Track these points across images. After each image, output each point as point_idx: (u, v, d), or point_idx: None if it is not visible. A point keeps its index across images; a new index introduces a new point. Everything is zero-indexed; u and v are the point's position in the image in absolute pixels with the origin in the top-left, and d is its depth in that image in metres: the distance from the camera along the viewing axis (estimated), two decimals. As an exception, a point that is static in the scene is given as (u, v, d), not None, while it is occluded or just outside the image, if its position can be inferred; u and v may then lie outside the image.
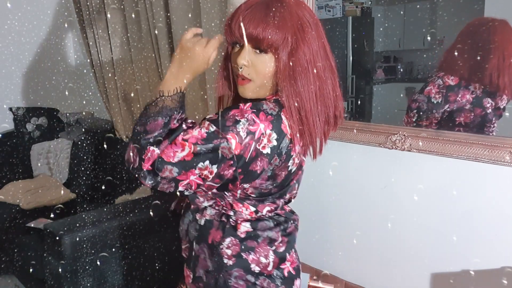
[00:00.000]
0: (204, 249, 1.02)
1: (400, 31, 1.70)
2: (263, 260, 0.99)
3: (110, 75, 2.71)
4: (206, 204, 1.02)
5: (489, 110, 1.41)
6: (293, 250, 1.07)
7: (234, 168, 0.88)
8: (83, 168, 2.68)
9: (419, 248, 1.60)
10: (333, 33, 1.84)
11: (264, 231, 1.01)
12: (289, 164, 0.96)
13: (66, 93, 3.25)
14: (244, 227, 1.00)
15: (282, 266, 1.02)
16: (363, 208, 1.75)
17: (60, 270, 1.72)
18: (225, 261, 0.98)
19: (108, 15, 2.53)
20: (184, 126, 0.91)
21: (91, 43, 2.79)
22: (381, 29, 1.76)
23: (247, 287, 0.98)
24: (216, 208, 1.01)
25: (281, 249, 1.02)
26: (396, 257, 1.67)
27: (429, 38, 1.56)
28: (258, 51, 0.92)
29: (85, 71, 3.22)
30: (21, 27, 2.94)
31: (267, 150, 0.89)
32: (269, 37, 0.89)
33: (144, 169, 0.87)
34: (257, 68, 0.93)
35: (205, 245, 1.01)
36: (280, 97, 0.94)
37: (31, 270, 2.01)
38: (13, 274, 2.32)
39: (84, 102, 3.32)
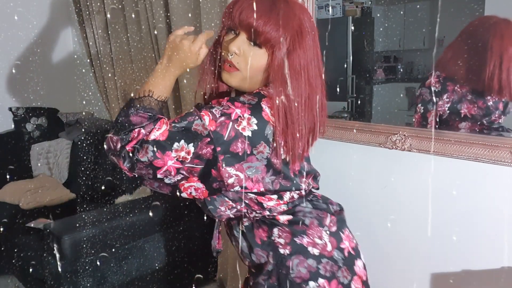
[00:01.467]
0: (259, 252, 0.98)
1: (400, 31, 1.70)
2: (318, 241, 0.96)
3: (110, 75, 2.71)
4: (229, 212, 0.98)
5: (490, 103, 1.39)
6: (346, 228, 1.03)
7: (212, 147, 0.86)
8: (83, 168, 2.68)
9: (419, 248, 1.60)
10: (333, 33, 1.84)
11: (305, 216, 0.98)
12: (282, 152, 0.94)
13: (66, 93, 3.25)
14: (283, 217, 0.98)
15: (342, 246, 0.99)
16: (363, 208, 1.75)
17: (60, 270, 1.72)
18: (282, 251, 0.95)
19: (108, 15, 2.53)
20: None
21: (91, 43, 2.79)
22: (381, 29, 1.76)
23: (311, 275, 0.93)
24: (248, 214, 0.99)
25: (334, 228, 0.99)
26: (396, 257, 1.67)
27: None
28: (252, 43, 0.92)
29: (84, 71, 3.22)
30: (21, 27, 2.94)
31: (247, 133, 0.87)
32: (268, 32, 0.88)
33: (127, 148, 0.86)
34: (247, 60, 0.92)
35: (258, 248, 0.98)
36: (262, 90, 0.93)
37: (31, 270, 2.01)
38: (13, 274, 2.32)
39: (84, 102, 3.32)
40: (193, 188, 0.92)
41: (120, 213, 1.89)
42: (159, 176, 0.88)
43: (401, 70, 1.73)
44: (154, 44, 2.27)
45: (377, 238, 1.72)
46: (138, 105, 0.90)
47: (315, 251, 0.95)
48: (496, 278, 1.41)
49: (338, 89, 1.82)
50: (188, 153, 0.86)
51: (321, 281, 0.93)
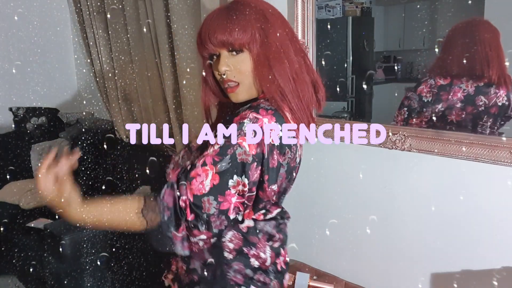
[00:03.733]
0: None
1: (400, 31, 1.70)
2: (262, 255, 1.01)
3: (110, 75, 2.71)
4: None
5: (482, 108, 1.42)
6: (285, 245, 1.08)
7: (260, 168, 0.89)
8: (83, 168, 2.68)
9: (419, 248, 1.60)
10: (333, 33, 1.84)
11: (263, 227, 1.02)
12: (296, 156, 0.98)
13: (66, 93, 3.25)
14: (247, 222, 1.00)
15: (277, 261, 1.04)
16: (363, 208, 1.75)
17: (60, 270, 1.72)
18: (226, 254, 0.99)
19: (108, 15, 2.53)
20: (195, 167, 0.88)
21: (91, 43, 2.79)
22: (381, 29, 1.76)
23: (245, 281, 1.00)
24: None
25: (276, 245, 1.04)
26: (396, 257, 1.67)
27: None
28: (234, 53, 0.95)
29: (84, 70, 3.22)
30: (21, 27, 2.94)
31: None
32: (238, 37, 0.92)
33: (189, 219, 0.85)
34: (239, 69, 0.95)
35: None
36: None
37: (31, 270, 2.01)
38: (13, 274, 2.32)
39: (84, 102, 3.32)
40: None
41: (120, 213, 1.89)
42: (231, 216, 0.88)
43: (399, 71, 1.73)
44: (154, 44, 2.27)
45: (377, 238, 1.72)
46: (152, 200, 0.88)
47: (256, 264, 1.00)
48: (496, 278, 1.41)
49: (338, 89, 1.82)
50: (244, 185, 0.87)
51: (252, 287, 1.01)
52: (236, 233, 0.99)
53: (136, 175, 2.48)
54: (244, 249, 0.99)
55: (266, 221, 1.02)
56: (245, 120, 0.88)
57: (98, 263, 1.77)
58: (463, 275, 1.49)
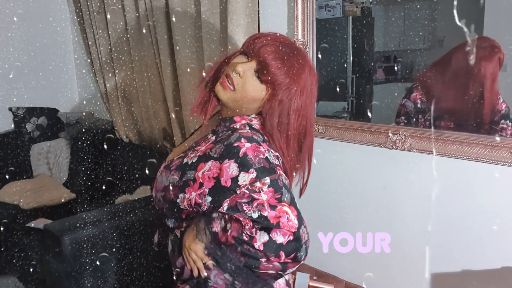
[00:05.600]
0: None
1: (400, 31, 1.70)
2: None
3: (110, 75, 2.71)
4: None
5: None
6: None
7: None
8: (83, 168, 2.68)
9: (419, 248, 1.60)
10: (333, 33, 1.84)
11: None
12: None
13: (66, 93, 3.25)
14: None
15: None
16: (363, 208, 1.75)
17: (60, 270, 1.72)
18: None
19: (108, 16, 2.53)
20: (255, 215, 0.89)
21: (90, 43, 2.79)
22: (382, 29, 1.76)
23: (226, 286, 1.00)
24: None
25: None
26: (396, 257, 1.67)
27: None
28: (257, 74, 0.96)
29: (84, 71, 3.22)
30: (21, 27, 2.94)
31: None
32: (277, 76, 0.93)
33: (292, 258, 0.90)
34: (246, 86, 0.96)
35: None
36: (250, 120, 0.99)
37: (31, 270, 2.01)
38: (13, 274, 2.32)
39: (84, 102, 3.32)
40: None
41: (120, 213, 1.89)
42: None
43: (399, 70, 1.73)
44: (154, 44, 2.27)
45: (377, 238, 1.72)
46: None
47: None
48: (496, 278, 1.41)
49: (338, 89, 1.82)
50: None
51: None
52: None
53: (136, 175, 2.48)
54: None
55: None
56: (267, 154, 0.92)
57: (98, 263, 1.77)
58: (463, 275, 1.49)
